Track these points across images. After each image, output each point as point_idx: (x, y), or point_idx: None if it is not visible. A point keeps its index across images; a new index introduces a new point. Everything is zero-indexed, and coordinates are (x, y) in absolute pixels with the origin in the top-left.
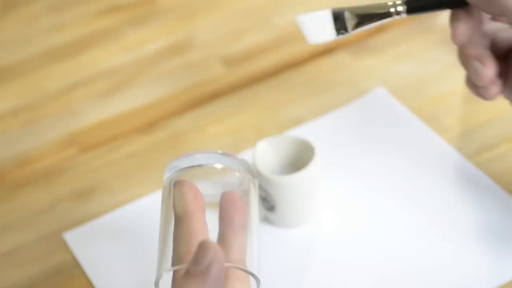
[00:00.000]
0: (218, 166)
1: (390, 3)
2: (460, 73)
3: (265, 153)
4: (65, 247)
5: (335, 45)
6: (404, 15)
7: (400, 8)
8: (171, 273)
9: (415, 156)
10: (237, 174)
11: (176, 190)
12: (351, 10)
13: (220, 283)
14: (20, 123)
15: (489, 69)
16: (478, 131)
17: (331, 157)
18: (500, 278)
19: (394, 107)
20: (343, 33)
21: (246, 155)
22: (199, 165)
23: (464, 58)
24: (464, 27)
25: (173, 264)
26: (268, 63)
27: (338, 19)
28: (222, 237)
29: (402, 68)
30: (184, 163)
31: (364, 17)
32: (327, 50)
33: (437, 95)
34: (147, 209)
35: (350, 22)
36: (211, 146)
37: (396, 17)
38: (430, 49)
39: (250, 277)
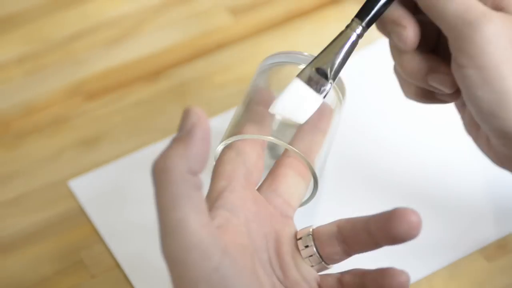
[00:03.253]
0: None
1: (347, 32)
2: None
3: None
4: (71, 195)
5: None
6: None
7: (359, 30)
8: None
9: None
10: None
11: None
12: (314, 64)
13: (205, 147)
14: (25, 72)
15: (410, 30)
16: None
17: None
18: (507, 228)
19: None
20: (325, 89)
21: None
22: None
23: (383, 26)
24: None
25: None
26: (275, 12)
27: (311, 80)
28: (299, 132)
29: None
30: (283, 58)
31: (332, 63)
32: (334, 0)
33: None
34: (153, 157)
35: (322, 75)
36: (217, 95)
37: (359, 39)
38: None
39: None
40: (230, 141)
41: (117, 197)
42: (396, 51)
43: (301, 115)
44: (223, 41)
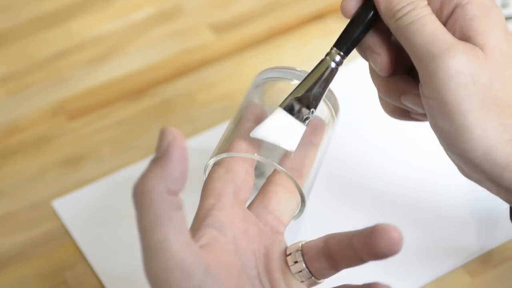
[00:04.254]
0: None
1: (326, 60)
2: None
3: None
4: (54, 215)
5: (324, 11)
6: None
7: (338, 58)
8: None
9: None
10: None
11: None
12: (295, 94)
13: (182, 166)
14: (8, 91)
15: (384, 57)
16: None
17: None
18: (490, 243)
19: None
20: (307, 118)
21: None
22: (290, 80)
23: (361, 51)
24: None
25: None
26: (257, 29)
27: (293, 110)
28: None
29: None
30: (277, 74)
31: (313, 92)
32: (316, 16)
33: None
34: (137, 176)
35: (304, 104)
36: (201, 113)
37: (338, 67)
38: None
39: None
40: (219, 158)
41: (101, 217)
42: (374, 72)
43: (285, 143)
44: (206, 58)
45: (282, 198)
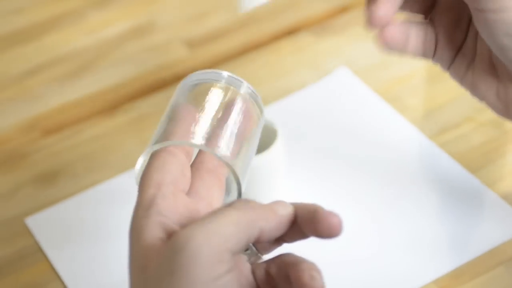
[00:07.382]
0: (228, 85)
1: None
2: None
3: None
4: (28, 232)
5: (297, 26)
6: None
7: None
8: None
9: (378, 136)
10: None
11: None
12: None
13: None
14: None
15: (378, 9)
16: (440, 111)
17: (294, 139)
18: (461, 259)
19: (357, 86)
20: None
21: None
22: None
23: None
24: None
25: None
26: (230, 45)
27: None
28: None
29: (365, 48)
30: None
31: None
32: (289, 31)
33: (400, 75)
34: (111, 193)
35: None
36: None
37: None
38: None
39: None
40: (156, 148)
41: (74, 234)
42: None
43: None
44: (180, 74)
45: (209, 184)
